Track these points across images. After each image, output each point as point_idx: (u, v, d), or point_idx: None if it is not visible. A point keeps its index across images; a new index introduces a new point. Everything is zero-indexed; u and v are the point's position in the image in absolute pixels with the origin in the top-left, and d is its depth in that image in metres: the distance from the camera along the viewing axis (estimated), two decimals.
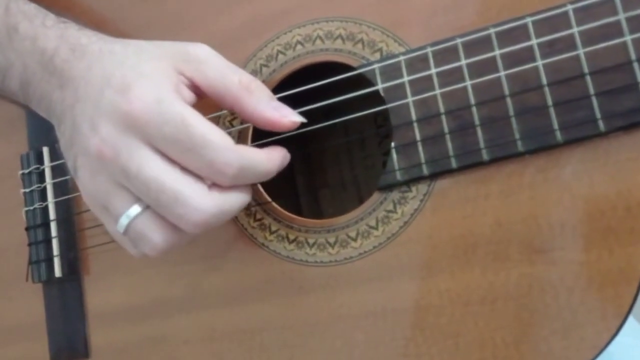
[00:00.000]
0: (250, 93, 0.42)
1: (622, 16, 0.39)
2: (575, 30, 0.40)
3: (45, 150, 0.57)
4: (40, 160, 0.57)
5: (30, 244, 0.56)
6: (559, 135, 0.40)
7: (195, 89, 0.43)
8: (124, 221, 0.41)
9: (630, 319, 0.69)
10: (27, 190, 0.57)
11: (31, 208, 0.56)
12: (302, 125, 0.44)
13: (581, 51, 0.40)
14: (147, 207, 0.41)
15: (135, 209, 0.41)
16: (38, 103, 0.47)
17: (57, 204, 0.56)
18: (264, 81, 0.49)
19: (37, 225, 0.56)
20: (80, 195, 0.53)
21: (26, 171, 0.57)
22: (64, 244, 0.55)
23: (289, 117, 0.43)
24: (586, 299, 0.40)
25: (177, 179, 0.40)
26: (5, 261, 0.58)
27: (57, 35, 0.46)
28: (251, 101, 0.42)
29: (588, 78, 0.40)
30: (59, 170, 0.56)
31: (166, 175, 0.39)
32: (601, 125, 0.39)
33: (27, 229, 0.56)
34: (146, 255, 0.43)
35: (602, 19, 0.39)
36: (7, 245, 0.58)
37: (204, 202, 0.40)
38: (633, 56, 0.39)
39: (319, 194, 0.65)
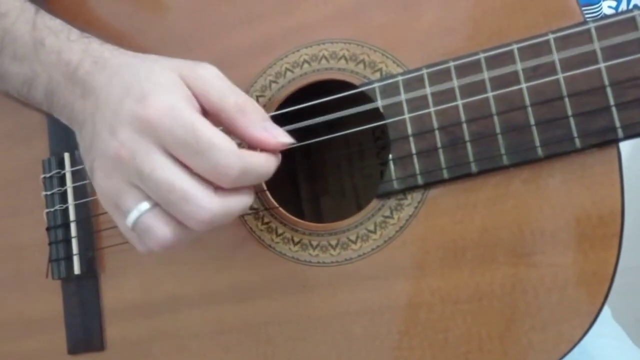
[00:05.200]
0: (244, 114, 0.44)
1: (597, 45, 0.42)
2: (555, 57, 0.43)
3: (67, 156, 0.58)
4: (61, 165, 0.58)
5: (50, 243, 0.58)
6: (540, 151, 0.43)
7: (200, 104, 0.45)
8: (133, 216, 0.43)
9: (611, 321, 0.72)
10: (48, 193, 0.58)
11: (52, 210, 0.58)
12: (305, 138, 0.46)
13: (561, 76, 0.43)
14: (155, 205, 0.43)
15: (145, 205, 0.43)
16: (61, 111, 0.50)
17: (76, 206, 0.57)
18: (272, 96, 0.52)
19: (58, 225, 0.58)
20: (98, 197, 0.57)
21: (48, 175, 0.58)
22: (82, 243, 0.57)
23: (278, 138, 0.44)
24: (563, 298, 0.43)
25: (186, 180, 0.42)
26: (26, 259, 0.60)
27: (81, 49, 0.48)
28: (243, 122, 0.44)
29: (566, 100, 0.43)
30: (79, 175, 0.58)
31: (176, 176, 0.42)
32: (577, 142, 0.42)
33: (47, 229, 0.58)
34: (152, 250, 0.45)
35: (580, 47, 0.42)
36: (28, 244, 0.60)
37: (210, 202, 0.42)
38: (606, 81, 0.42)
39: (321, 201, 0.67)
